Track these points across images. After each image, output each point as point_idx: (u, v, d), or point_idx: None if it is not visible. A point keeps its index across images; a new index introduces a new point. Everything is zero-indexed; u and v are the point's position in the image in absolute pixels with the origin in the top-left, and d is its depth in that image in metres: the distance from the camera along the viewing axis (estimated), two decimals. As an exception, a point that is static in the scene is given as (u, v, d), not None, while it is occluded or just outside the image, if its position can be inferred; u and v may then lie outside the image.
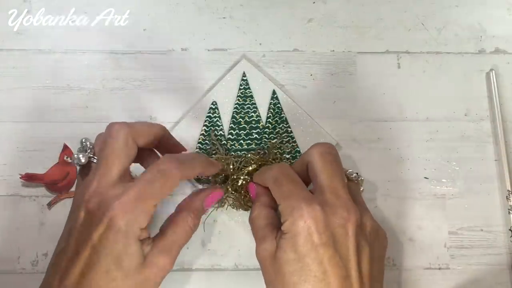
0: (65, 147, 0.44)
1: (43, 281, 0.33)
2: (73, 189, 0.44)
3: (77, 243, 0.31)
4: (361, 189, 0.39)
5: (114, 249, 0.31)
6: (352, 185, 0.37)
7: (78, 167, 0.37)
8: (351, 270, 0.31)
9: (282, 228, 0.33)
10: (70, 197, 0.43)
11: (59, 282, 0.31)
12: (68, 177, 0.43)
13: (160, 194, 0.32)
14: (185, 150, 0.41)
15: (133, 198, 0.31)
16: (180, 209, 0.36)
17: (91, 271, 0.31)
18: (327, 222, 0.31)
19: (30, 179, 0.43)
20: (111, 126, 0.34)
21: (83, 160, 0.35)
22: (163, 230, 0.35)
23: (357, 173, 0.38)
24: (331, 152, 0.36)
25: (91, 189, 0.32)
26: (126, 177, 0.34)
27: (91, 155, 0.36)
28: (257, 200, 0.37)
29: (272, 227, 0.34)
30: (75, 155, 0.36)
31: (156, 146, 0.38)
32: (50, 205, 0.44)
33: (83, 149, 0.36)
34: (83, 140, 0.36)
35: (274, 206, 0.37)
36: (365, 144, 0.47)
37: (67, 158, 0.43)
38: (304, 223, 0.31)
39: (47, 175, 0.43)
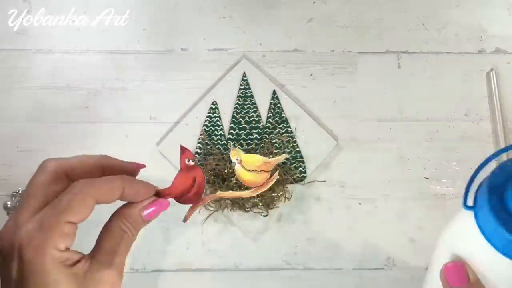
0: (183, 150, 0.35)
1: None
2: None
3: None
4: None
5: (39, 283, 0.27)
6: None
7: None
8: None
9: None
10: (205, 204, 0.38)
11: None
12: (196, 182, 0.35)
13: (72, 208, 0.28)
14: (143, 166, 0.35)
15: (39, 220, 0.28)
16: (111, 217, 0.32)
17: None
18: None
19: (159, 196, 0.34)
20: (43, 161, 0.31)
21: (9, 205, 0.34)
22: (98, 242, 0.30)
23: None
24: None
25: (5, 229, 0.29)
26: None
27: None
28: None
29: None
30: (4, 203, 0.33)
31: (102, 173, 0.33)
32: (185, 220, 0.35)
33: (13, 197, 0.34)
34: (17, 190, 0.35)
35: None
36: (365, 144, 0.47)
37: (188, 161, 0.35)
38: None
39: (174, 187, 0.35)
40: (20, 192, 0.34)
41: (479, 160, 0.48)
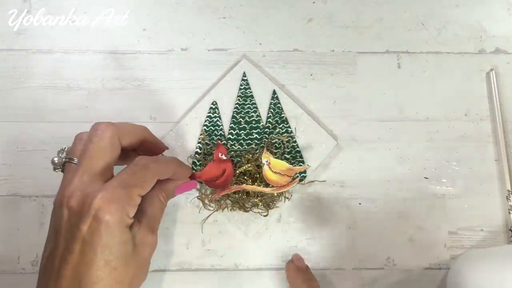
0: (219, 145, 0.42)
1: (37, 286, 0.33)
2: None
3: (66, 241, 0.31)
4: None
5: (108, 241, 0.31)
6: None
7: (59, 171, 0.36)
8: None
9: None
10: (230, 192, 0.42)
11: (55, 283, 0.31)
12: (225, 174, 0.41)
13: (143, 184, 0.33)
14: (167, 148, 0.41)
15: (117, 187, 0.32)
16: (152, 188, 0.36)
17: (90, 265, 0.31)
18: None
19: (192, 177, 0.40)
20: (97, 125, 0.34)
21: (56, 160, 0.35)
22: (142, 209, 0.35)
23: None
24: None
25: (73, 186, 0.32)
26: (109, 176, 0.34)
27: (69, 157, 0.35)
28: None
29: None
30: (52, 159, 0.35)
31: (138, 146, 0.38)
32: (211, 201, 0.44)
33: (59, 154, 0.36)
34: (63, 148, 0.36)
35: None
36: (365, 144, 0.47)
37: (221, 155, 0.41)
38: None
39: (204, 173, 0.41)
40: (65, 149, 0.36)
41: (479, 160, 0.49)
